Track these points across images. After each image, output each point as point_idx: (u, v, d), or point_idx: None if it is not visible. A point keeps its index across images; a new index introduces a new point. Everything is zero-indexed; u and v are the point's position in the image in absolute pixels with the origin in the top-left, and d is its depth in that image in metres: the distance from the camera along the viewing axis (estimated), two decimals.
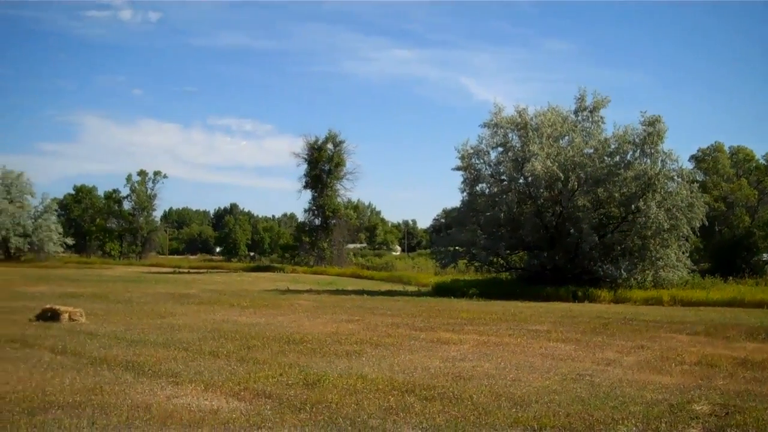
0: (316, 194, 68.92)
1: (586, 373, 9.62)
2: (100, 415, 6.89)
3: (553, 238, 31.02)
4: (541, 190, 30.83)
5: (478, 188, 34.21)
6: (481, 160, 33.83)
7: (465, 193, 34.33)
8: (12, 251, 67.31)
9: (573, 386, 8.67)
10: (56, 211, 74.97)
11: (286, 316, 17.80)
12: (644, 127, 30.01)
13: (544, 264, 32.06)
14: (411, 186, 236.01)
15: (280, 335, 13.34)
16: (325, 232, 69.29)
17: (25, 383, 8.40)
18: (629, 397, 8.06)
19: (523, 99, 51.75)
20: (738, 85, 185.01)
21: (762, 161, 61.38)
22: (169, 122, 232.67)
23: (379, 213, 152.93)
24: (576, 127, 32.62)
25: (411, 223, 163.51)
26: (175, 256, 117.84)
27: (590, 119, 33.10)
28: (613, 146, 30.85)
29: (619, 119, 49.50)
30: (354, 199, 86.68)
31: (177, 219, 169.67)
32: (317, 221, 69.92)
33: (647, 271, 29.52)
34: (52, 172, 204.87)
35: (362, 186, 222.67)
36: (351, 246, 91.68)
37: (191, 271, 58.35)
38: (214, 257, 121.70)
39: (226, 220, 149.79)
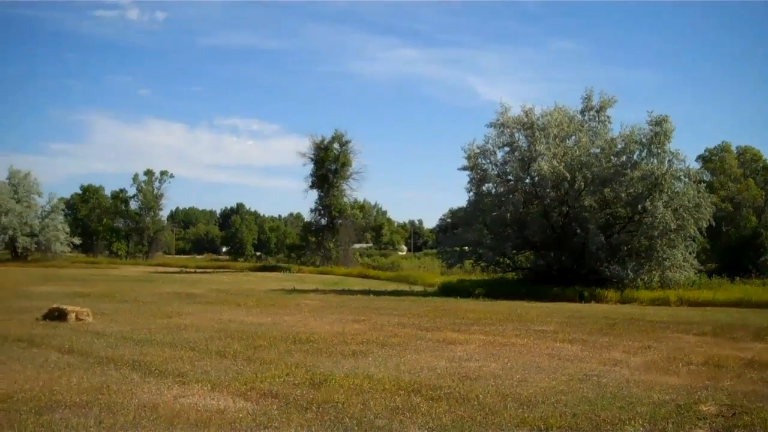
0: (322, 194, 68.98)
1: (592, 374, 9.59)
2: (107, 415, 6.91)
3: (560, 238, 30.95)
4: (548, 190, 30.75)
5: (484, 188, 34.18)
6: (488, 160, 33.82)
7: (471, 193, 34.31)
8: (19, 251, 67.65)
9: (580, 387, 8.65)
10: (63, 210, 75.19)
11: (292, 316, 17.81)
12: (651, 126, 29.89)
13: (551, 264, 32.01)
14: (417, 186, 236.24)
15: (286, 335, 13.35)
16: (332, 232, 69.33)
17: (33, 383, 8.43)
18: (636, 397, 8.04)
19: (529, 99, 51.80)
20: (745, 85, 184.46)
21: None
22: (175, 122, 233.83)
23: (385, 213, 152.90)
24: (582, 126, 32.55)
25: (417, 222, 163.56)
26: (182, 256, 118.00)
27: (597, 119, 33.01)
28: (619, 146, 30.75)
29: (625, 119, 49.29)
30: (360, 199, 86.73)
31: (183, 219, 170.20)
32: (323, 221, 69.96)
33: (654, 272, 29.41)
34: (59, 171, 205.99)
35: (368, 186, 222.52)
36: (357, 246, 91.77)
37: (198, 270, 58.52)
38: (220, 257, 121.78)
39: (232, 219, 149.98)
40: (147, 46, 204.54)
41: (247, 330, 14.17)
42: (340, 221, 69.48)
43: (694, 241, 30.53)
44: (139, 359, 10.29)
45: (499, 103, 35.24)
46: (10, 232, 65.52)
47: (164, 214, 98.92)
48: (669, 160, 29.72)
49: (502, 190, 33.36)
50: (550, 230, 31.31)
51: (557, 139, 31.13)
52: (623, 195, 29.88)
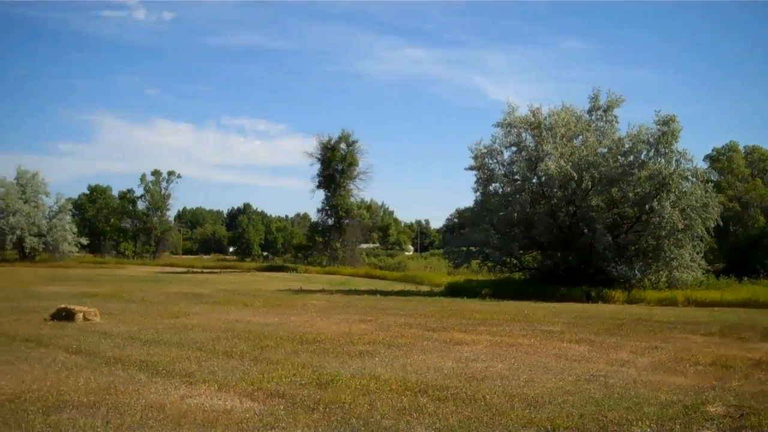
0: (329, 194, 69.02)
1: (600, 374, 9.58)
2: (115, 415, 6.93)
3: (567, 238, 30.89)
4: (555, 190, 30.68)
5: (491, 188, 34.16)
6: (495, 160, 33.80)
7: (478, 193, 34.28)
8: (27, 251, 67.90)
9: (587, 387, 8.64)
10: (71, 210, 75.51)
11: (299, 316, 17.83)
12: (658, 126, 29.79)
13: (558, 264, 31.95)
14: (424, 186, 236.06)
15: (293, 335, 13.37)
16: (338, 232, 69.37)
17: (40, 383, 8.47)
18: (643, 398, 8.02)
19: (536, 98, 51.65)
20: (753, 84, 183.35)
21: None
22: (183, 122, 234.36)
23: (392, 213, 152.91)
24: (590, 126, 32.46)
25: (424, 222, 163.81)
26: (189, 256, 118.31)
27: (604, 118, 32.95)
28: (627, 146, 30.67)
29: (633, 119, 49.08)
30: (367, 199, 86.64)
31: (191, 219, 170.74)
32: (330, 221, 70.03)
33: (661, 272, 29.29)
34: (67, 171, 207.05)
35: (375, 186, 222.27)
36: (364, 246, 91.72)
37: (205, 270, 58.64)
38: (227, 257, 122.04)
39: (239, 219, 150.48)
40: (154, 47, 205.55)
41: (254, 330, 14.19)
42: (347, 221, 69.50)
43: (701, 241, 30.40)
44: (146, 359, 10.32)
45: (506, 103, 35.45)
46: (18, 233, 65.76)
47: (171, 214, 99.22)
48: (676, 160, 29.64)
49: (509, 189, 33.33)
50: (557, 230, 31.24)
51: (564, 139, 31.07)
52: (630, 195, 29.80)
